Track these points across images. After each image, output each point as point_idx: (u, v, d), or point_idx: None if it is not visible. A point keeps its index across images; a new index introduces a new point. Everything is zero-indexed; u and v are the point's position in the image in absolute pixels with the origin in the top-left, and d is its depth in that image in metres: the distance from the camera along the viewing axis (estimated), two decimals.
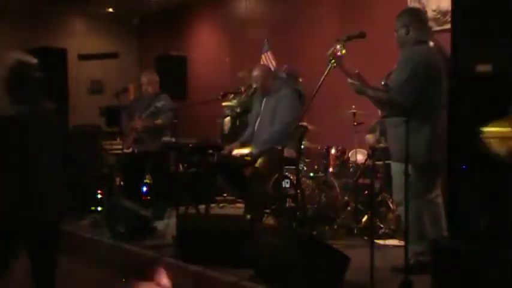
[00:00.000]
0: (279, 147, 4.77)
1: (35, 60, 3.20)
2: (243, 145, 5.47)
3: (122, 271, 4.96)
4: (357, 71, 4.00)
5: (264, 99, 5.38)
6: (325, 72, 3.86)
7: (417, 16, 4.06)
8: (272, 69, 7.32)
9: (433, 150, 3.79)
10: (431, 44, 3.89)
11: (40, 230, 3.19)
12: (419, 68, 3.79)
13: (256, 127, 5.38)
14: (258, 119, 5.38)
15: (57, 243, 3.34)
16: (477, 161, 3.02)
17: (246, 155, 5.24)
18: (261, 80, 5.35)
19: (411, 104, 3.73)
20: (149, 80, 6.33)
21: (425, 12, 5.90)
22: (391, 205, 5.12)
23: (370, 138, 5.63)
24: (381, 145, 5.21)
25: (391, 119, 3.96)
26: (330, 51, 3.93)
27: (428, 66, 3.81)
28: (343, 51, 3.93)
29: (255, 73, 5.38)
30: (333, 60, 3.90)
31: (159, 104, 5.89)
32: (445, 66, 3.82)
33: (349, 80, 3.97)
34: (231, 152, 5.40)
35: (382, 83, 3.95)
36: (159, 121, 6.07)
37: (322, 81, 3.83)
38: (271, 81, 5.37)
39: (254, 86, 5.44)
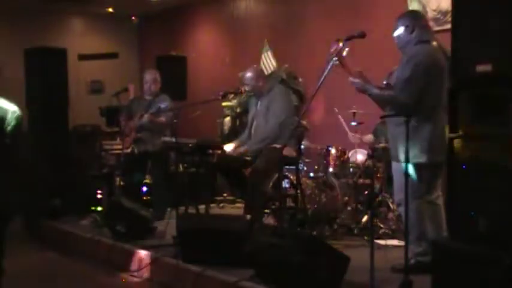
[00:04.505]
0: (279, 147, 4.74)
1: None
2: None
3: (122, 271, 4.96)
4: (358, 69, 3.99)
5: (259, 102, 5.35)
6: (327, 70, 3.85)
7: (420, 17, 4.10)
8: (272, 69, 7.33)
9: (433, 151, 3.78)
10: (434, 43, 3.88)
11: None
12: (421, 66, 3.78)
13: (253, 130, 5.36)
14: (254, 122, 5.35)
15: None
16: (477, 161, 3.02)
17: (245, 154, 5.23)
18: (252, 82, 5.30)
19: (413, 102, 3.73)
20: (153, 79, 6.32)
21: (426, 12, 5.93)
22: (391, 205, 5.12)
23: (369, 138, 5.64)
24: (381, 145, 5.21)
25: (391, 118, 3.95)
26: (333, 49, 3.92)
27: (430, 64, 3.80)
28: (346, 50, 3.92)
29: (246, 75, 5.33)
30: (336, 58, 3.88)
31: (160, 104, 5.90)
32: (446, 65, 3.81)
33: (351, 79, 3.95)
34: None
35: (384, 82, 3.95)
36: (162, 119, 6.07)
37: (323, 79, 3.81)
38: (263, 82, 5.32)
39: (247, 88, 5.41)
